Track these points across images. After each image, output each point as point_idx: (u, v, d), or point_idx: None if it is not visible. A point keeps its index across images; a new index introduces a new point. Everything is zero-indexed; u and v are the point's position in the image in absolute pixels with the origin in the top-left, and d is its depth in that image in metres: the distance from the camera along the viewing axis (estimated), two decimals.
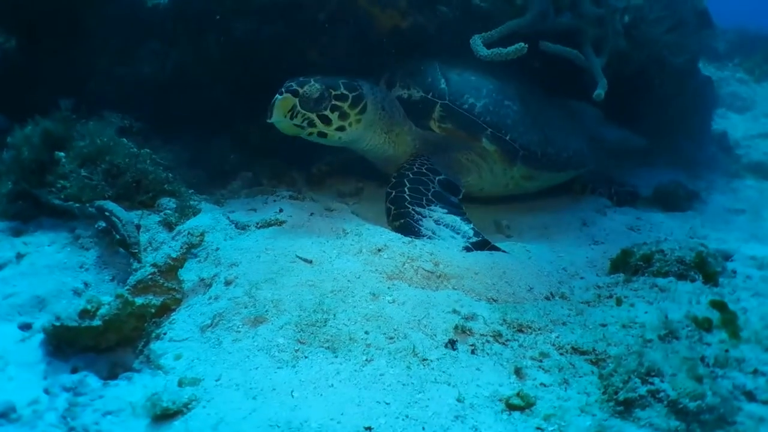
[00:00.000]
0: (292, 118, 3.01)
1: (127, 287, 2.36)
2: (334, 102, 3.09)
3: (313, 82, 3.04)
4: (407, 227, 2.83)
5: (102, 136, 2.92)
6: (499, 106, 3.43)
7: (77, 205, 2.75)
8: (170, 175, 3.02)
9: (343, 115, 3.14)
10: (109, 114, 3.55)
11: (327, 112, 3.08)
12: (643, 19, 3.24)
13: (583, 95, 3.59)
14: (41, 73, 4.16)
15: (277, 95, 3.01)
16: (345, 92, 3.14)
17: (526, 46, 2.52)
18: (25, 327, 2.31)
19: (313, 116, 3.06)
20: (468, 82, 3.41)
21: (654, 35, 3.75)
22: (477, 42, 2.70)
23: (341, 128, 3.16)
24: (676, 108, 4.12)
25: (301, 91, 3.00)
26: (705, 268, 2.53)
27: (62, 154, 2.89)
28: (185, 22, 3.51)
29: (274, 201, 3.13)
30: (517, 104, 3.52)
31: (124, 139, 3.06)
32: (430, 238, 2.77)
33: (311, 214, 2.88)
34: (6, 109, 4.54)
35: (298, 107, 3.00)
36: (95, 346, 2.19)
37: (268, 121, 3.03)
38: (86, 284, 2.55)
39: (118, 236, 2.58)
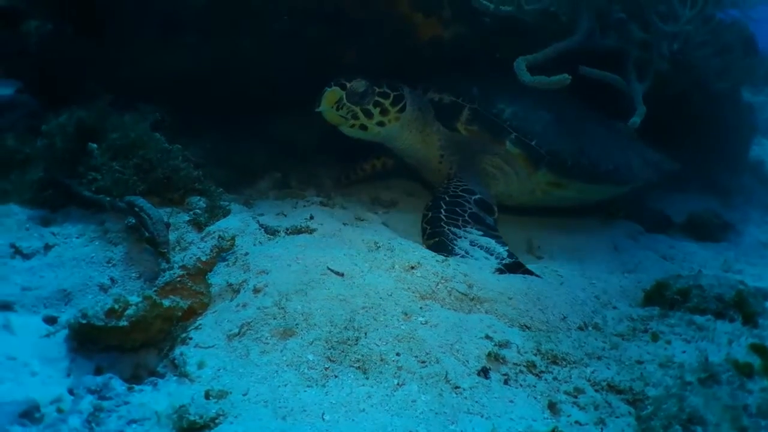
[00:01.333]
0: (337, 110, 3.29)
1: (155, 288, 2.33)
2: (377, 98, 3.34)
3: (360, 79, 3.29)
4: (441, 245, 2.84)
5: (135, 129, 2.89)
6: (529, 113, 3.51)
7: (108, 198, 2.72)
8: (200, 173, 2.98)
9: (384, 111, 3.37)
10: (144, 106, 3.54)
11: (370, 107, 3.33)
12: (688, 41, 3.14)
13: (619, 114, 3.53)
14: (76, 58, 4.17)
15: (326, 87, 3.28)
16: (387, 90, 3.37)
17: (570, 77, 2.47)
18: (50, 320, 2.29)
19: (357, 109, 3.31)
20: (502, 91, 3.47)
21: (698, 59, 3.65)
22: (521, 66, 2.64)
23: (381, 123, 3.39)
24: (714, 134, 4.02)
25: (348, 85, 3.27)
26: (745, 308, 2.45)
27: (95, 145, 2.86)
28: (223, 17, 3.46)
29: (304, 206, 3.09)
30: (552, 114, 3.56)
31: (157, 134, 3.03)
32: (462, 257, 2.73)
33: (343, 223, 2.84)
34: (41, 92, 4.57)
35: (344, 100, 3.28)
36: (120, 345, 2.16)
37: (316, 110, 3.30)
38: (113, 280, 2.52)
39: (147, 234, 2.55)
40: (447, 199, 3.12)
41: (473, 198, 3.14)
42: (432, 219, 3.01)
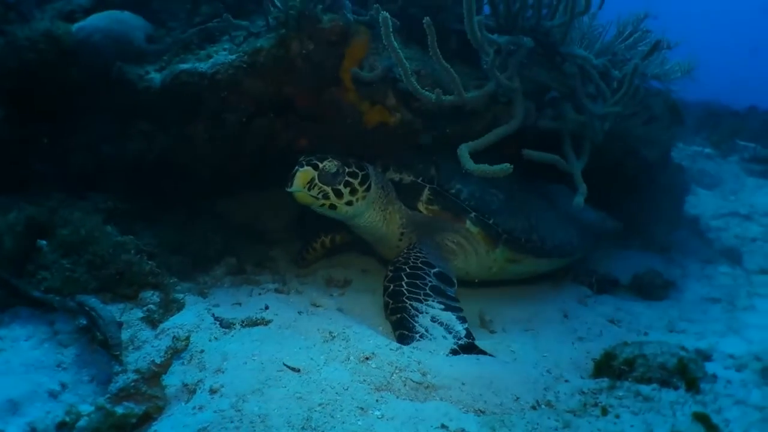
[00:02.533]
0: (309, 190, 3.27)
1: (108, 395, 2.29)
2: (347, 178, 3.37)
3: (331, 158, 3.33)
4: (403, 322, 2.89)
5: (86, 224, 2.89)
6: (485, 193, 3.67)
7: (57, 298, 2.68)
8: (154, 265, 2.97)
9: (353, 191, 3.40)
10: (95, 195, 3.55)
11: (341, 187, 3.36)
12: (619, 114, 3.39)
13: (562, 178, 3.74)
14: (27, 144, 4.15)
15: (297, 167, 3.28)
16: (356, 170, 3.42)
17: (512, 166, 2.63)
18: None
19: (329, 189, 3.32)
20: (456, 170, 3.51)
21: (628, 129, 3.93)
22: (464, 153, 2.80)
23: (349, 203, 3.41)
24: (649, 196, 4.29)
25: (321, 165, 3.29)
26: (687, 375, 2.58)
27: (44, 242, 2.84)
28: (175, 106, 3.54)
29: (259, 294, 3.12)
30: (503, 193, 3.73)
31: (109, 227, 3.03)
32: (421, 336, 2.79)
33: (298, 312, 2.86)
34: None
35: (317, 180, 3.28)
36: None
37: (287, 189, 3.28)
38: (63, 385, 2.45)
39: (99, 335, 2.52)
40: (407, 270, 3.16)
41: (432, 271, 3.20)
42: (394, 292, 3.04)
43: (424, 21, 2.72)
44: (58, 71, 3.77)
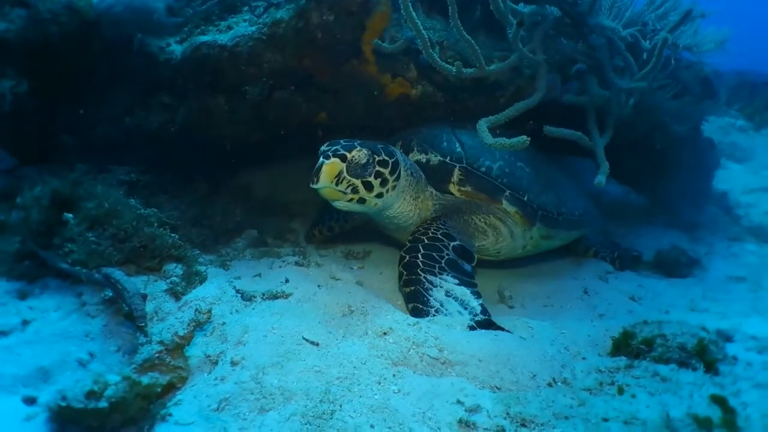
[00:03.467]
0: (337, 184, 2.92)
1: (134, 366, 2.36)
2: (378, 168, 3.02)
3: (359, 147, 2.95)
4: (417, 295, 2.85)
5: (109, 199, 2.93)
6: (514, 168, 3.47)
7: (84, 270, 2.76)
8: (176, 237, 3.03)
9: (384, 182, 3.06)
10: (117, 168, 3.60)
11: (371, 179, 3.00)
12: (647, 88, 3.28)
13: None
14: (51, 116, 4.21)
15: (322, 158, 2.89)
16: (386, 158, 3.07)
17: (529, 139, 2.57)
18: (30, 401, 2.30)
19: (358, 183, 2.97)
20: (480, 145, 3.30)
21: (657, 103, 3.81)
22: (483, 128, 2.74)
23: (380, 195, 3.07)
24: (677, 171, 4.18)
25: (349, 156, 2.91)
26: (706, 357, 2.55)
27: (71, 216, 2.90)
28: (196, 79, 3.54)
29: (280, 267, 3.15)
30: (528, 167, 3.56)
31: (132, 200, 3.09)
32: (437, 310, 2.79)
33: (318, 285, 2.90)
34: (16, 150, 4.60)
35: (345, 173, 2.91)
36: (101, 426, 2.19)
37: (313, 186, 2.91)
38: (91, 354, 2.55)
39: (125, 307, 2.59)
40: (425, 242, 3.06)
41: (452, 244, 3.09)
42: (408, 264, 2.96)
43: None
44: (80, 44, 3.79)
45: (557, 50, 3.28)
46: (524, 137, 2.55)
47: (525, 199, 3.37)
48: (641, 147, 4.07)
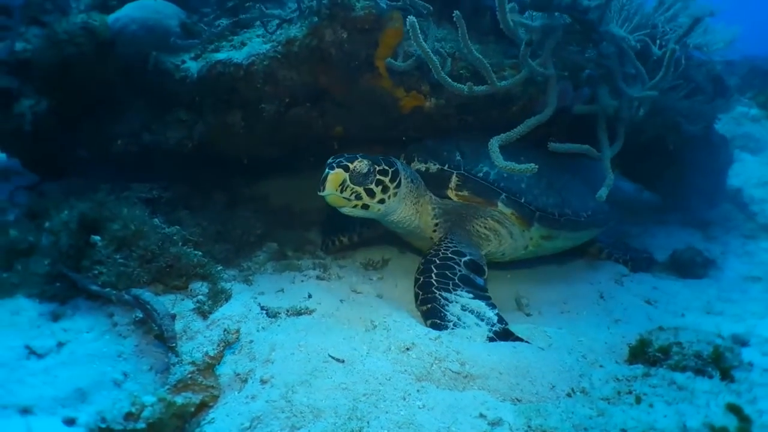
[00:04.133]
0: (341, 192, 3.22)
1: (167, 386, 2.46)
2: (378, 177, 3.32)
3: (360, 158, 3.27)
4: (434, 312, 2.96)
5: (134, 220, 3.02)
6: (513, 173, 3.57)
7: (114, 292, 2.85)
8: (200, 255, 3.12)
9: (385, 189, 3.36)
10: (138, 186, 3.69)
11: (372, 186, 3.31)
12: (658, 96, 3.28)
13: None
14: (70, 134, 4.31)
15: (327, 170, 3.21)
16: (386, 167, 3.37)
17: (537, 166, 2.63)
18: (69, 422, 2.41)
19: (361, 190, 3.27)
20: (483, 153, 3.45)
21: (669, 103, 3.82)
22: (494, 147, 2.79)
23: (382, 201, 3.37)
24: (690, 170, 4.19)
25: (351, 166, 3.22)
26: (721, 364, 2.61)
27: (98, 238, 3.00)
28: (213, 96, 3.61)
29: (302, 281, 3.23)
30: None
31: (156, 220, 3.17)
32: (455, 324, 2.88)
33: (340, 300, 2.98)
34: (34, 167, 4.72)
35: (348, 182, 3.22)
36: None
37: (320, 194, 3.24)
38: (125, 374, 2.65)
39: (155, 327, 2.69)
40: (437, 262, 3.22)
41: (463, 260, 3.25)
42: (423, 284, 3.12)
43: (453, 15, 2.68)
44: (97, 63, 3.88)
45: (568, 59, 3.30)
46: (533, 165, 2.65)
47: (522, 201, 3.54)
48: (654, 147, 4.08)
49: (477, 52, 3.65)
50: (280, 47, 3.30)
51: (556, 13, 3.30)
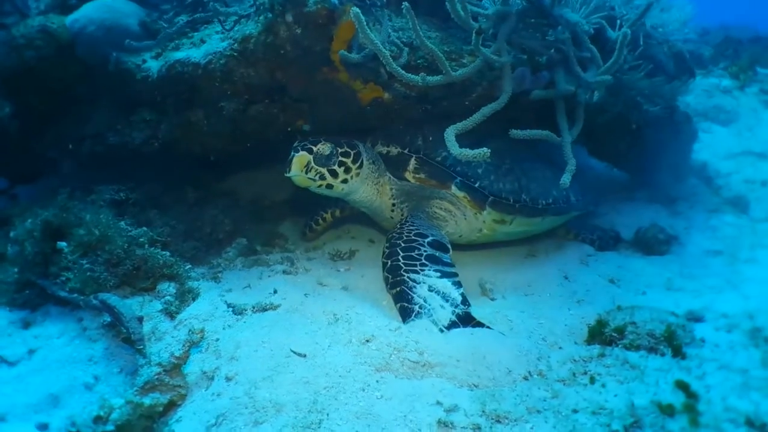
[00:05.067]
0: (306, 173, 3.44)
1: (136, 388, 2.53)
2: (340, 158, 3.54)
3: (323, 141, 3.48)
4: (402, 294, 3.05)
5: (99, 225, 3.05)
6: None
7: (82, 297, 2.90)
8: (168, 255, 3.16)
9: (347, 170, 3.58)
10: (105, 188, 3.71)
11: (335, 167, 3.52)
12: (612, 80, 3.29)
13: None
14: (37, 137, 4.31)
15: (293, 152, 3.43)
16: (348, 150, 3.59)
17: (489, 150, 2.68)
18: (42, 427, 2.48)
19: (324, 170, 3.50)
20: (443, 136, 3.55)
21: (629, 83, 3.85)
22: (450, 136, 2.82)
23: (345, 181, 3.59)
24: (654, 147, 4.24)
25: (315, 149, 3.44)
26: (673, 342, 2.70)
27: (64, 244, 3.04)
28: (174, 96, 3.62)
29: (269, 276, 3.29)
30: (492, 157, 3.66)
31: (122, 222, 3.21)
32: (421, 307, 2.95)
33: (305, 294, 3.04)
34: (3, 171, 4.71)
35: (312, 163, 3.44)
36: None
37: (286, 175, 3.44)
38: (96, 378, 2.72)
39: (124, 330, 2.75)
40: (402, 245, 3.30)
41: (426, 240, 3.34)
42: (392, 267, 3.20)
43: (403, 6, 2.69)
44: (58, 66, 3.86)
45: (523, 46, 3.32)
46: (485, 149, 2.71)
47: (476, 185, 3.65)
48: (618, 126, 4.12)
49: (436, 40, 3.71)
50: (236, 45, 3.29)
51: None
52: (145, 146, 3.88)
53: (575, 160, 3.03)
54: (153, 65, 3.73)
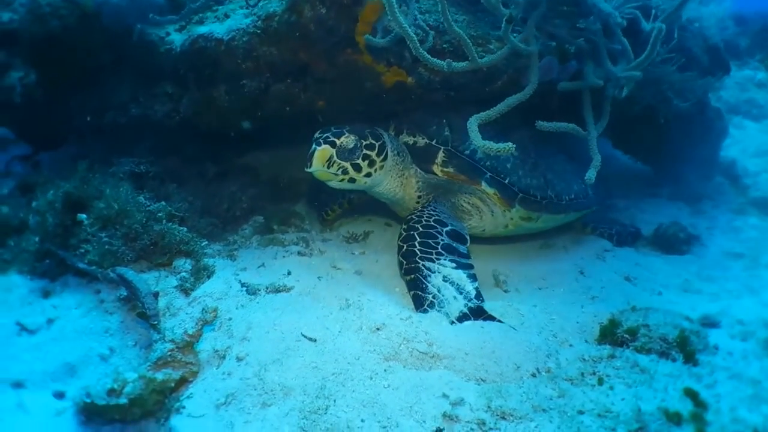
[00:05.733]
0: (328, 167, 3.27)
1: (149, 363, 2.58)
2: (365, 151, 3.37)
3: (347, 134, 3.30)
4: (416, 282, 3.05)
5: (119, 199, 3.09)
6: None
7: (100, 270, 2.96)
8: (185, 231, 3.20)
9: (372, 163, 3.42)
10: (126, 160, 3.73)
11: (359, 161, 3.36)
12: (643, 68, 3.19)
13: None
14: (61, 105, 4.34)
15: (314, 145, 3.26)
16: (372, 141, 3.42)
17: (514, 145, 2.60)
18: (59, 395, 2.56)
19: (347, 165, 3.32)
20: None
21: (660, 76, 3.73)
22: (473, 126, 2.77)
23: (368, 174, 3.43)
24: (682, 143, 4.13)
25: (338, 142, 3.27)
26: (686, 347, 2.66)
27: (84, 216, 3.08)
28: (196, 70, 3.60)
29: (283, 257, 3.31)
30: (518, 151, 3.62)
31: (141, 197, 3.24)
32: (434, 296, 2.96)
33: (318, 277, 3.06)
34: (28, 138, 4.77)
35: (335, 157, 3.27)
36: (122, 418, 2.44)
37: (307, 170, 3.28)
38: (111, 350, 2.79)
39: (140, 305, 2.80)
40: (420, 230, 3.26)
41: (445, 230, 3.29)
42: (407, 252, 3.17)
43: None
44: (83, 35, 3.86)
45: (552, 34, 3.22)
46: (510, 144, 2.62)
47: (506, 182, 3.55)
48: (646, 119, 4.02)
49: (463, 24, 3.62)
50: (260, 22, 3.26)
51: None
52: (167, 120, 3.89)
53: (600, 155, 2.96)
54: (176, 38, 3.71)
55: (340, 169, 3.30)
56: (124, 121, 4.08)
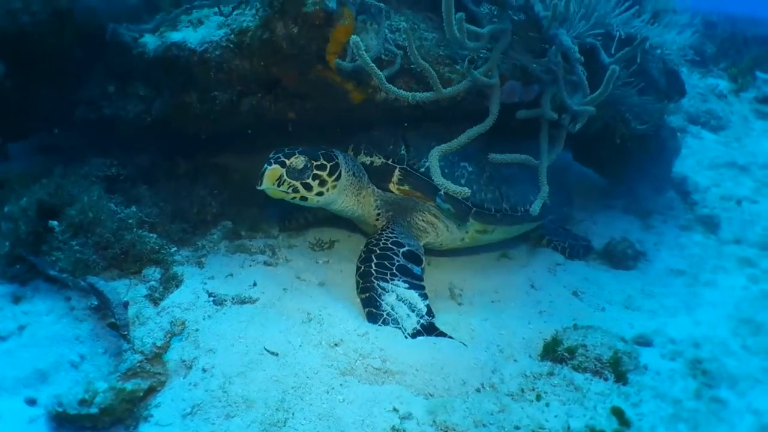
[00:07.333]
0: (279, 186, 3.41)
1: (118, 374, 2.73)
2: (315, 171, 3.50)
3: (297, 155, 3.44)
4: (371, 301, 3.25)
5: (93, 208, 3.17)
6: (454, 167, 3.80)
7: (71, 278, 3.06)
8: (154, 238, 3.31)
9: (323, 183, 3.54)
10: (96, 162, 3.78)
11: (309, 180, 3.49)
12: (594, 112, 3.34)
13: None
14: (29, 97, 4.33)
15: (266, 165, 3.40)
16: (324, 162, 3.53)
17: (469, 191, 2.77)
18: (31, 402, 2.69)
19: (298, 184, 3.46)
20: (428, 147, 3.55)
21: (622, 97, 3.91)
22: (434, 162, 2.92)
23: (320, 193, 3.56)
24: (637, 160, 4.35)
25: (288, 162, 3.41)
26: (617, 368, 2.92)
27: (56, 223, 3.17)
28: (169, 77, 3.65)
29: (250, 266, 3.46)
30: (473, 165, 3.86)
31: (111, 204, 3.32)
32: (388, 314, 3.16)
33: (283, 289, 3.22)
34: None
35: (285, 177, 3.41)
36: (93, 426, 2.60)
37: (258, 188, 3.41)
38: (82, 357, 2.91)
39: (110, 315, 2.92)
40: (377, 252, 3.48)
41: (401, 251, 3.50)
42: (364, 273, 3.40)
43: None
44: (54, 31, 3.84)
45: (515, 63, 3.37)
46: (466, 189, 2.84)
47: (459, 197, 3.66)
48: (604, 138, 4.21)
49: (432, 42, 3.70)
50: (233, 36, 3.32)
51: (510, 11, 3.33)
52: (138, 120, 3.94)
53: (548, 186, 3.15)
54: (150, 41, 3.74)
55: (291, 188, 3.44)
56: (95, 118, 4.11)
